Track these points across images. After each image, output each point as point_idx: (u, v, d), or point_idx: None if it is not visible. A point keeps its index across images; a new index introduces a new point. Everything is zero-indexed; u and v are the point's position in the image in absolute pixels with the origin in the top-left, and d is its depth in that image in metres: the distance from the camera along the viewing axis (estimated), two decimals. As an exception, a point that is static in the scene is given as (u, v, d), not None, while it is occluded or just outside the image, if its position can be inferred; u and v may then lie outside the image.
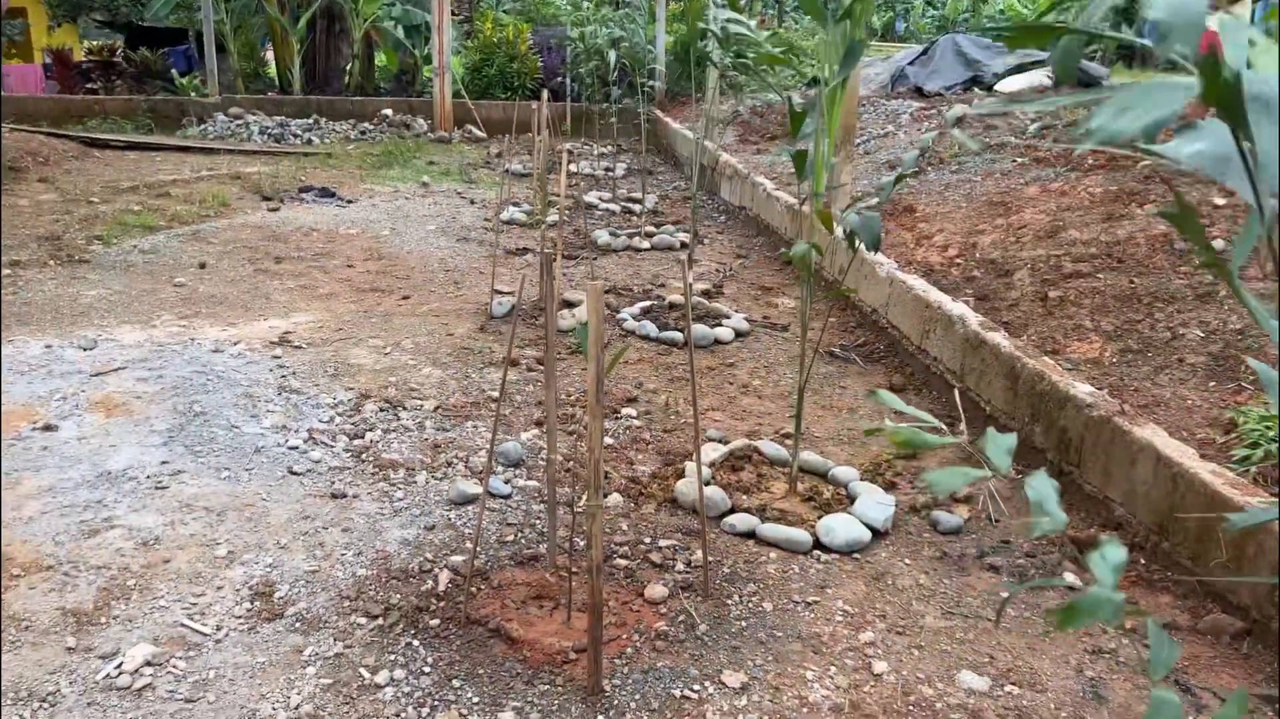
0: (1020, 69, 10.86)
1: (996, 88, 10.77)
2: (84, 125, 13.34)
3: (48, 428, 4.26)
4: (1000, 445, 1.66)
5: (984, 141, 7.78)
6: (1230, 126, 1.17)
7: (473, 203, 9.88)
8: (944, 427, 1.68)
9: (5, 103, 13.38)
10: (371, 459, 4.11)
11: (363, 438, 4.32)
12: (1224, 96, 1.14)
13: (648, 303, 6.38)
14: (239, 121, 14.13)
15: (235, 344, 5.40)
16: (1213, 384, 3.93)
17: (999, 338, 4.50)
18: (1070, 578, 3.33)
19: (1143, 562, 3.35)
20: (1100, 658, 2.95)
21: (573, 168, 11.58)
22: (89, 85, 16.60)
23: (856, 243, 3.66)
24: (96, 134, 12.54)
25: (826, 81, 3.81)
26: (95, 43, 21.46)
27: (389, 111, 15.22)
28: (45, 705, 2.64)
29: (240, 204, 9.27)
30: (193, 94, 15.38)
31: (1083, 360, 4.39)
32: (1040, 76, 10.40)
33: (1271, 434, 3.38)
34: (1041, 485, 1.61)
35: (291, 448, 4.20)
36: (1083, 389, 3.87)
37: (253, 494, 3.80)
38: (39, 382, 4.75)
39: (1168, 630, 3.06)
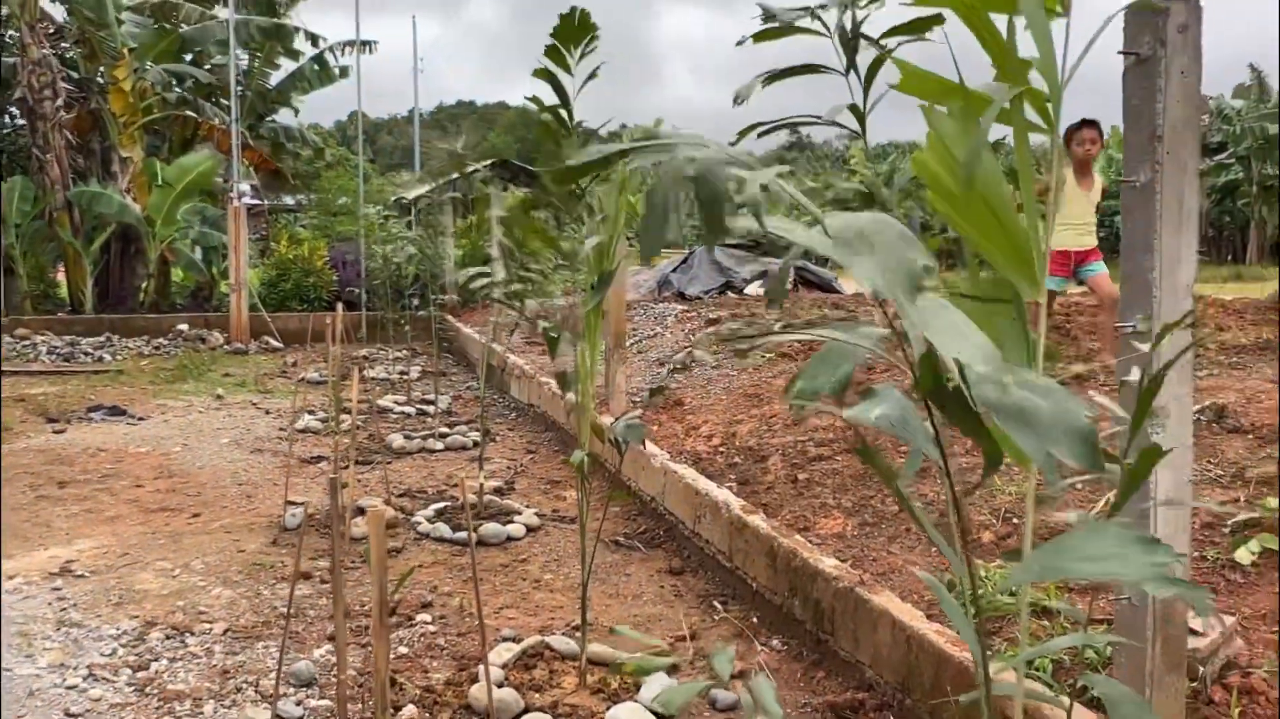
0: (764, 274, 11.82)
1: (746, 291, 11.65)
2: None
3: None
4: (724, 658, 1.78)
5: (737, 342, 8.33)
6: (928, 406, 1.31)
7: (267, 413, 9.58)
8: (666, 647, 1.77)
9: None
10: (156, 692, 3.78)
11: (147, 669, 3.97)
12: (937, 394, 1.25)
13: (441, 504, 6.30)
14: (25, 343, 13.26)
15: (11, 579, 4.92)
16: (934, 550, 4.26)
17: (758, 520, 4.72)
18: (833, 742, 3.44)
19: (892, 717, 3.52)
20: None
21: (369, 373, 11.48)
22: None
23: (624, 448, 3.84)
24: None
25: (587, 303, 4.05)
26: None
27: (185, 326, 14.73)
28: None
29: (23, 427, 8.61)
30: (-26, 317, 14.39)
31: (829, 535, 4.67)
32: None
33: (981, 592, 3.69)
34: (758, 687, 1.73)
35: (70, 687, 3.81)
36: (828, 563, 4.10)
37: (22, 745, 3.41)
38: None
39: (918, 784, 3.20)
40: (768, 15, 1.47)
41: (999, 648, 3.45)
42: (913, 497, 4.79)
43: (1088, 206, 7.51)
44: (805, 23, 1.49)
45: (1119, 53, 2.71)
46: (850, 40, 1.47)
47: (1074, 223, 7.39)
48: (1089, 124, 7.34)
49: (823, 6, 1.46)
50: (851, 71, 1.53)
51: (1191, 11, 2.65)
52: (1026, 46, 1.49)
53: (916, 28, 1.42)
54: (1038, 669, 3.20)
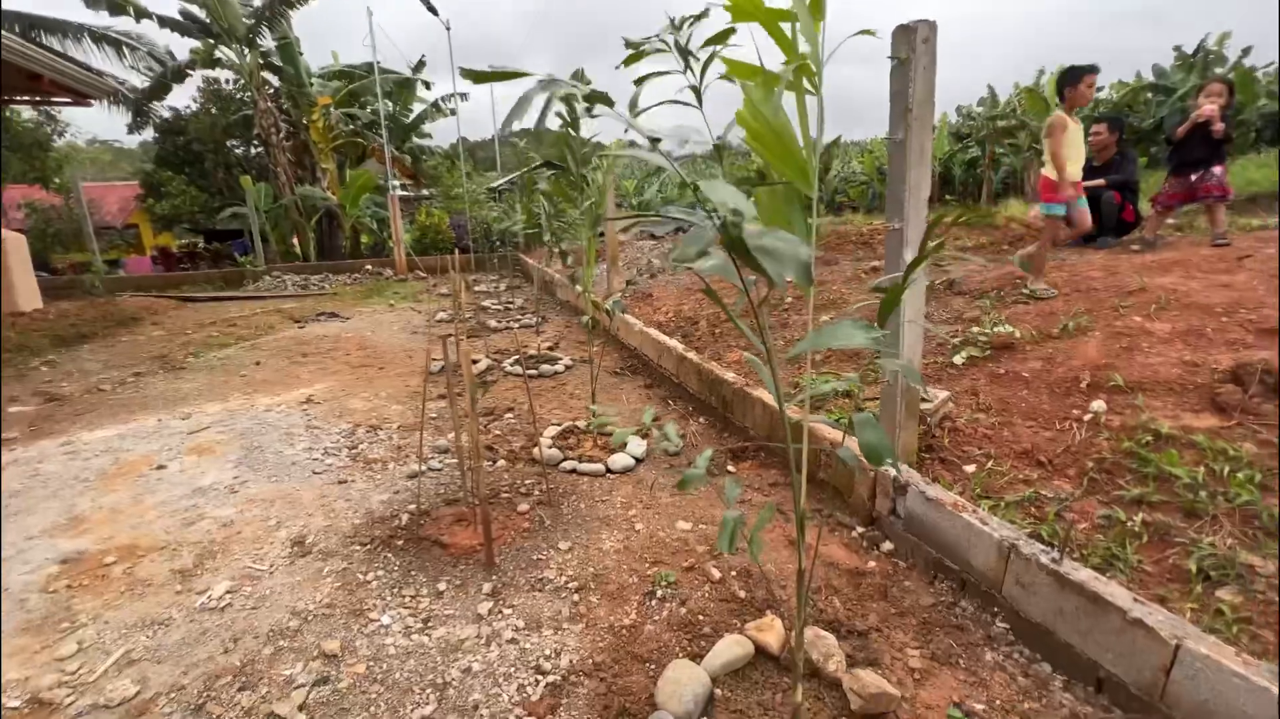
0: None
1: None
2: (180, 290, 12.04)
3: (159, 468, 3.86)
4: (648, 413, 1.84)
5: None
6: (729, 254, 1.34)
7: (419, 313, 9.55)
8: (613, 414, 1.79)
9: (134, 280, 11.90)
10: (361, 459, 3.94)
11: (356, 449, 4.12)
12: (733, 244, 1.28)
13: (517, 355, 6.36)
14: (279, 280, 13.11)
15: (279, 405, 5.04)
16: (793, 366, 4.32)
17: (693, 355, 4.78)
18: (730, 468, 3.58)
19: (763, 454, 3.66)
20: (748, 506, 3.20)
21: (478, 288, 11.38)
22: (182, 266, 15.04)
23: (613, 316, 3.86)
24: (188, 294, 11.35)
25: (587, 237, 4.00)
26: (185, 240, 19.41)
27: (369, 267, 14.50)
28: (161, 627, 2.42)
29: (280, 326, 8.60)
30: (248, 266, 14.17)
31: (733, 362, 4.73)
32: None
33: (820, 382, 3.77)
34: (666, 427, 1.79)
35: (314, 459, 3.97)
36: (730, 375, 4.17)
37: (291, 488, 3.57)
38: (154, 441, 4.29)
39: (750, 487, 3.35)
40: (629, 44, 1.40)
41: (814, 411, 3.53)
42: (791, 339, 4.80)
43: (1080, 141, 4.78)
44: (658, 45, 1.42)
45: (888, 57, 2.58)
46: (684, 50, 1.40)
47: (1078, 156, 4.81)
48: (1094, 69, 4.76)
49: (663, 34, 1.39)
50: (689, 71, 1.47)
51: (930, 29, 2.51)
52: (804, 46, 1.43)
53: (720, 38, 1.35)
54: (839, 423, 3.29)
